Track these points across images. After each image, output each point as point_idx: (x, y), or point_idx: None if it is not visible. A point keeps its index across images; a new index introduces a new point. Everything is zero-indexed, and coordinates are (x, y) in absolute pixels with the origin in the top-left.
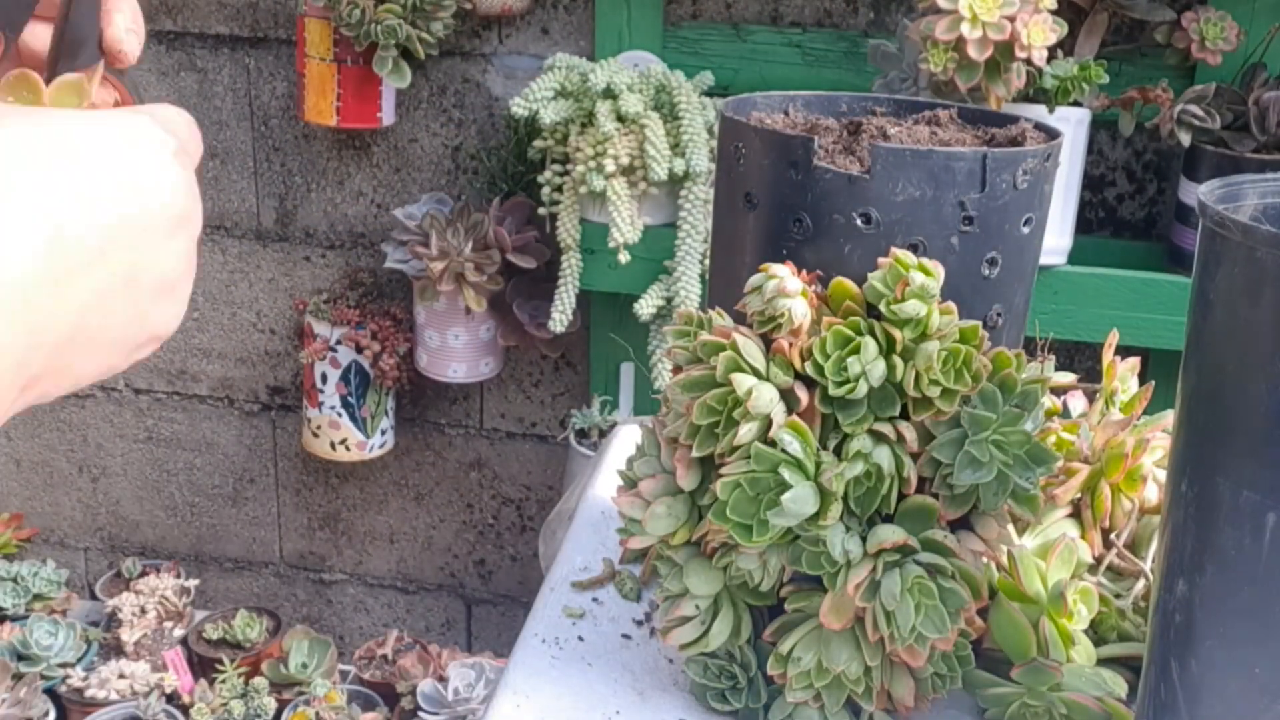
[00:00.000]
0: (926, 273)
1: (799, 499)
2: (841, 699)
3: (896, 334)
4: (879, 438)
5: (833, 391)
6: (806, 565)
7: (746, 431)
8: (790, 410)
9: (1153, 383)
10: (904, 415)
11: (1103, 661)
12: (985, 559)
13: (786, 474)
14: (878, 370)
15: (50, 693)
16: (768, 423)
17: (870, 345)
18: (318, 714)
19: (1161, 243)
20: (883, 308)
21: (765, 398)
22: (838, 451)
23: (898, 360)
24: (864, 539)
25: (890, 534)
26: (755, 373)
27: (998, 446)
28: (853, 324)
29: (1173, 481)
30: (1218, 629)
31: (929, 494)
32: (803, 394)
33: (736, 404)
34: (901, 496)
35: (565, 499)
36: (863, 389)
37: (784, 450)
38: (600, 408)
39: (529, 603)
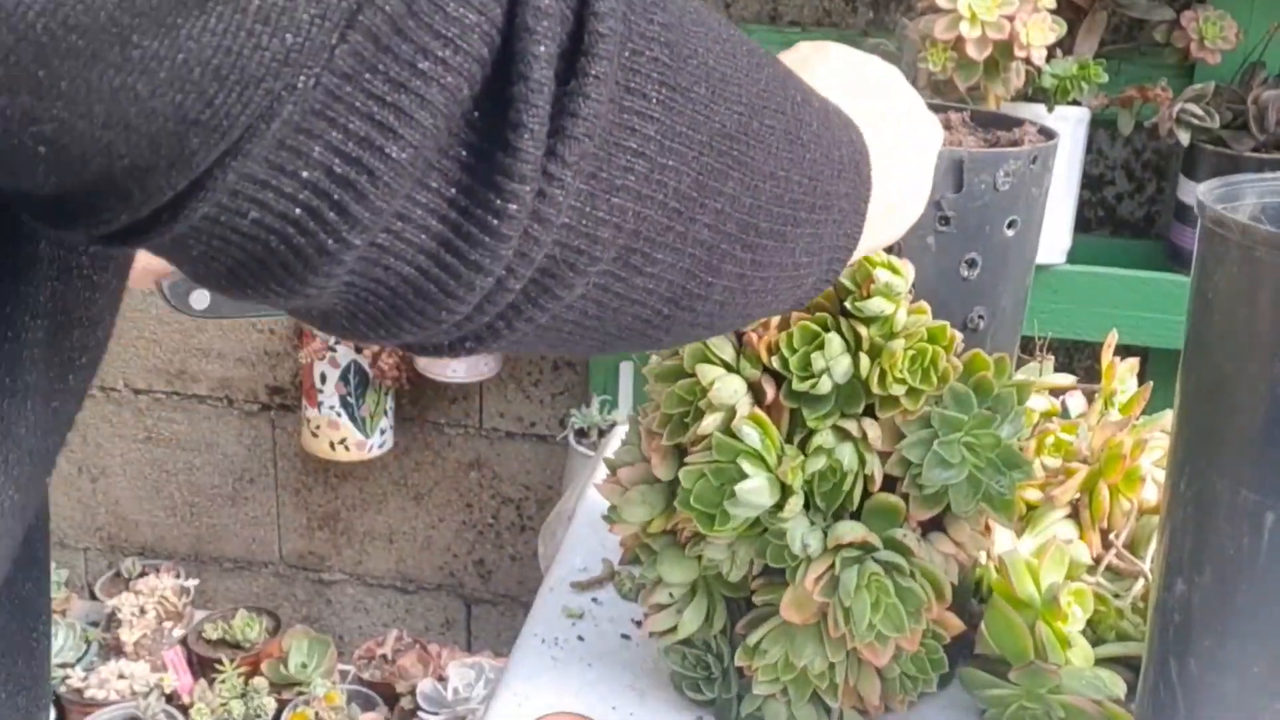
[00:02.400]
0: (894, 271)
1: (755, 490)
2: (806, 694)
3: (863, 331)
4: (842, 434)
5: (797, 386)
6: (770, 558)
7: (710, 422)
8: (757, 403)
9: (1152, 383)
10: (873, 413)
11: (1102, 661)
12: (957, 560)
13: (745, 465)
14: (841, 366)
15: None
16: (732, 414)
17: (835, 341)
18: (317, 714)
19: (1161, 242)
20: (849, 304)
21: (729, 389)
22: (803, 446)
23: (864, 357)
24: (826, 534)
25: (851, 530)
26: (724, 365)
27: (969, 449)
28: (820, 320)
29: (1172, 481)
30: (1217, 629)
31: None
32: (769, 388)
33: (704, 394)
34: (867, 494)
35: (565, 499)
36: (826, 385)
37: (743, 441)
38: (599, 407)
39: (529, 603)
